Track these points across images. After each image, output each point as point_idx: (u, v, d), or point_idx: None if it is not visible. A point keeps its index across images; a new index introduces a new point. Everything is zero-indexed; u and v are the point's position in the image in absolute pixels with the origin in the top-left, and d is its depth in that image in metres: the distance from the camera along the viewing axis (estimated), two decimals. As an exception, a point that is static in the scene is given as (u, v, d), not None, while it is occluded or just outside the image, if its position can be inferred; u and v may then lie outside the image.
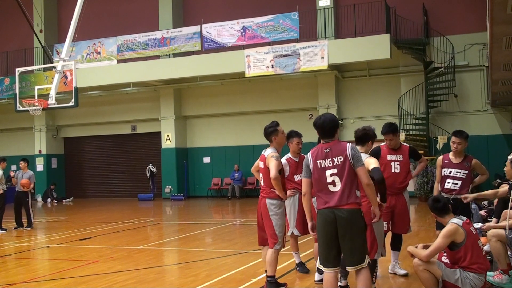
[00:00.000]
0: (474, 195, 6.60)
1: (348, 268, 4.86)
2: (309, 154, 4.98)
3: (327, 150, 4.83)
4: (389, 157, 6.74)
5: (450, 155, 6.94)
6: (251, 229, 12.58)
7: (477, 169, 6.95)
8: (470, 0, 18.95)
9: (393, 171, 6.70)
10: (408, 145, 6.96)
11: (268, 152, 6.12)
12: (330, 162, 4.79)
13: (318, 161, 4.84)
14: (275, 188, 5.97)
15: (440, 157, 7.07)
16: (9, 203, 13.48)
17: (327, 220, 4.77)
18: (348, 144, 4.85)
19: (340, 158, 4.76)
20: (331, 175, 4.78)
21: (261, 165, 6.20)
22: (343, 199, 4.72)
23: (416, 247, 5.72)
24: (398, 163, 6.72)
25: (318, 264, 5.07)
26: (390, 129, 6.70)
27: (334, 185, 4.77)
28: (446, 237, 5.41)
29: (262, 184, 6.25)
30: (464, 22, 18.90)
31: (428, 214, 12.03)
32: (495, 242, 6.04)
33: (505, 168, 6.47)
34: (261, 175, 6.26)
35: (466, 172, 6.77)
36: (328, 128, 4.87)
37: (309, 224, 5.12)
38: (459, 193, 6.71)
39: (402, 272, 6.84)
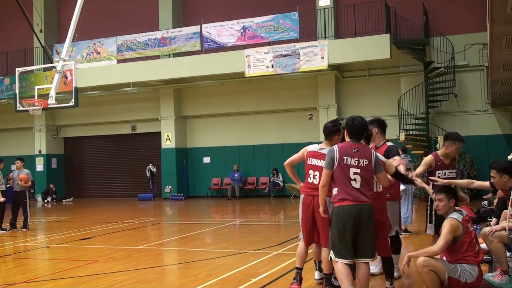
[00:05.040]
0: (446, 180, 6.39)
1: (366, 260, 5.21)
2: (335, 147, 5.32)
3: (355, 150, 5.25)
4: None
5: (440, 156, 6.63)
6: (251, 229, 12.59)
7: None
8: (470, 0, 18.94)
9: None
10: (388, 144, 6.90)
11: None
12: (356, 161, 5.23)
13: (345, 157, 5.24)
14: None
15: (431, 157, 6.66)
16: (8, 203, 13.44)
17: (351, 214, 5.14)
18: (372, 150, 5.41)
19: (365, 161, 5.25)
20: (354, 173, 5.21)
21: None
22: (365, 196, 5.20)
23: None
24: None
25: (333, 257, 5.20)
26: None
27: (356, 182, 5.21)
28: (450, 232, 5.52)
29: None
30: (464, 22, 18.90)
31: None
32: (497, 243, 6.03)
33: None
34: (317, 173, 5.91)
35: (455, 170, 6.74)
36: (361, 131, 5.35)
37: (322, 208, 5.46)
38: None
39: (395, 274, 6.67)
